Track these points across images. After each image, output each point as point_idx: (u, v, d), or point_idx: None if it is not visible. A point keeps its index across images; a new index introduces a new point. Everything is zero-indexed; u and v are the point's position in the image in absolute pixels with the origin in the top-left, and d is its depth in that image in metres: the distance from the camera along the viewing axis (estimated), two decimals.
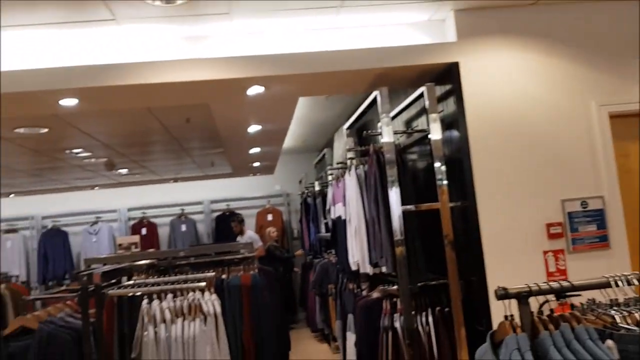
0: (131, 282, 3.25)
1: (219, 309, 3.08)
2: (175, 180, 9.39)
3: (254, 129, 5.41)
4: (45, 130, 4.52)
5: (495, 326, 3.22)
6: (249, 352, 4.42)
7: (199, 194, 9.86)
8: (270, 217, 9.84)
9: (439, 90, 3.82)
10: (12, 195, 9.09)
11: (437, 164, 3.55)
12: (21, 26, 3.22)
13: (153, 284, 2.99)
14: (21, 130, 4.44)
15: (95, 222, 9.37)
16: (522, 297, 1.60)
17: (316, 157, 9.16)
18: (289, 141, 7.71)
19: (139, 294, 3.01)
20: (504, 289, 1.61)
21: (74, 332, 2.72)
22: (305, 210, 8.78)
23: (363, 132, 4.72)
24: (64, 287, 4.14)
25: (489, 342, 1.65)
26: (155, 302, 2.95)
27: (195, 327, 2.69)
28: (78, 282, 3.07)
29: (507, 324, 1.59)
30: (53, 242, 9.10)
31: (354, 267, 4.48)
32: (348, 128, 5.93)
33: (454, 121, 3.69)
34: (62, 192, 9.13)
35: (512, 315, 1.63)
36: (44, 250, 9.05)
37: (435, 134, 3.57)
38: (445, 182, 3.54)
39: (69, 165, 6.57)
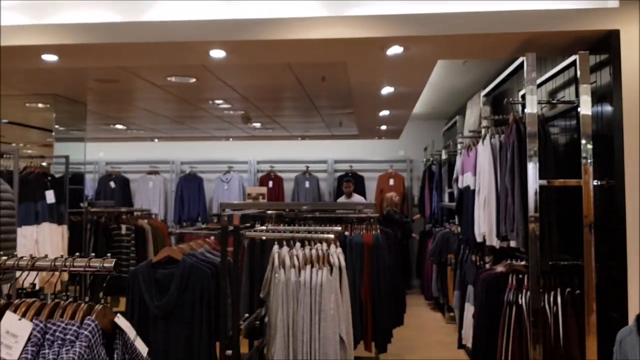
0: (264, 227, 3.44)
1: (343, 262, 3.16)
2: (303, 137, 9.64)
3: (386, 90, 5.39)
4: (194, 80, 4.83)
5: (631, 314, 3.02)
6: (366, 307, 4.55)
7: (324, 153, 10.07)
8: (392, 181, 9.84)
9: (592, 60, 3.55)
10: (156, 140, 9.86)
11: (583, 141, 3.33)
12: None
13: (285, 231, 3.14)
14: (172, 78, 4.78)
15: (227, 171, 9.92)
16: None
17: (444, 124, 8.95)
18: (417, 107, 7.58)
19: (272, 238, 3.18)
20: None
21: (212, 266, 2.94)
22: (429, 178, 8.67)
23: (504, 100, 4.53)
24: (204, 226, 4.49)
25: (634, 325, 1.56)
26: (285, 248, 3.09)
27: (323, 276, 2.80)
28: (218, 222, 3.33)
29: None
30: (189, 186, 9.79)
31: (479, 239, 4.39)
32: (485, 95, 5.72)
33: (607, 94, 3.43)
34: (200, 140, 9.74)
35: None
36: (181, 193, 9.78)
37: (585, 108, 3.34)
38: (590, 160, 3.32)
39: (210, 116, 6.98)
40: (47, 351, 1.09)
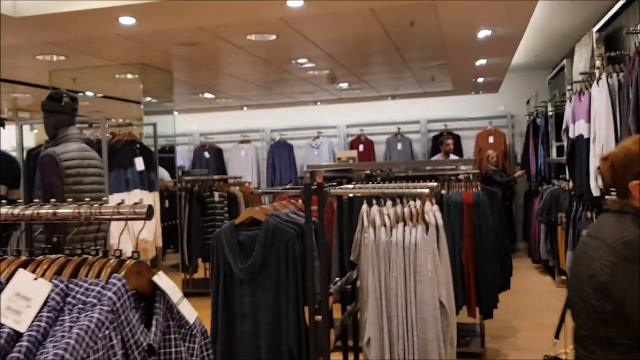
0: (351, 185, 3.17)
1: (440, 221, 2.83)
2: (393, 97, 9.23)
3: (483, 34, 4.89)
4: (274, 36, 4.60)
5: None
6: (468, 271, 4.20)
7: (416, 113, 9.62)
8: (491, 139, 9.23)
9: None
10: (245, 108, 9.86)
11: None
12: None
13: (374, 188, 2.86)
14: (252, 37, 4.59)
15: (317, 137, 9.76)
16: None
17: (548, 74, 8.20)
18: (517, 56, 6.95)
19: (359, 195, 2.92)
20: None
21: (297, 227, 2.73)
22: (534, 133, 8.03)
23: (618, 37, 3.95)
24: (289, 186, 4.34)
25: None
26: (375, 207, 2.81)
27: (417, 235, 2.50)
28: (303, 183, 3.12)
29: None
30: (280, 153, 9.75)
31: (595, 192, 3.91)
32: (597, 32, 5.07)
33: None
34: (288, 106, 9.62)
35: None
36: (272, 161, 9.77)
37: None
38: None
39: (295, 78, 6.77)
40: (66, 317, 0.89)
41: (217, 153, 10.19)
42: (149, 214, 1.02)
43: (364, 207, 2.84)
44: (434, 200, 3.09)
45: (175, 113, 9.88)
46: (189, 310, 1.05)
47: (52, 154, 3.37)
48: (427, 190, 2.71)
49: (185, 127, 10.33)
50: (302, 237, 2.70)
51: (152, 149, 4.83)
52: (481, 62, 6.25)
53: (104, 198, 3.61)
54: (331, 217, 3.91)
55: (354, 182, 3.45)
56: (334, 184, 3.29)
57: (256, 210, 2.79)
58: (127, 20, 3.80)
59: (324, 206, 2.62)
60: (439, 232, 2.82)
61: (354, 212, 3.55)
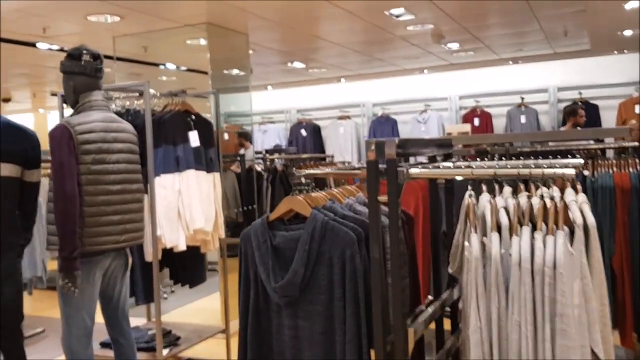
0: (448, 163, 2.16)
1: (592, 219, 1.76)
2: (515, 61, 7.87)
3: None
4: None
5: None
6: (623, 283, 3.03)
7: (544, 80, 8.16)
8: (637, 109, 7.60)
9: None
10: (342, 80, 8.97)
11: None
12: None
13: (482, 167, 1.84)
14: None
15: (424, 111, 8.64)
16: None
17: None
18: None
19: (459, 178, 1.92)
20: None
21: (360, 226, 1.80)
22: None
23: None
24: (358, 165, 3.43)
25: None
26: (485, 197, 1.80)
27: (558, 247, 1.46)
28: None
29: None
30: (382, 129, 8.76)
31: None
32: None
33: None
34: (391, 76, 8.60)
35: None
36: (374, 137, 8.80)
37: None
38: None
39: (394, 38, 5.73)
40: None
41: (315, 130, 9.40)
42: None
43: (468, 196, 1.84)
44: (579, 187, 2.02)
45: (269, 87, 9.26)
46: None
47: (66, 124, 2.69)
48: (571, 171, 1.64)
49: (280, 103, 9.66)
50: (366, 240, 1.77)
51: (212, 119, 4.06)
52: (632, 4, 4.82)
53: (132, 184, 2.89)
54: (419, 203, 2.92)
55: (454, 160, 2.44)
56: (424, 161, 2.31)
57: (299, 201, 1.88)
58: None
59: (398, 195, 1.65)
60: (589, 238, 1.75)
61: (455, 203, 2.53)
